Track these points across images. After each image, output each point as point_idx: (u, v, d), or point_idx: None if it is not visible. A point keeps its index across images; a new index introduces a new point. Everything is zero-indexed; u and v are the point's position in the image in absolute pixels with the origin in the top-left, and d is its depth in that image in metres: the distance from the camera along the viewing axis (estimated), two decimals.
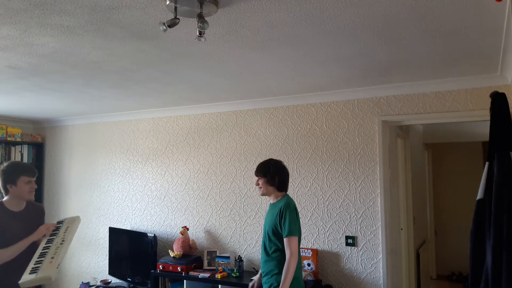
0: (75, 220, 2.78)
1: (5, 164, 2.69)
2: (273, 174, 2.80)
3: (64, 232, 2.64)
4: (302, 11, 1.96)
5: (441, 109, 3.39)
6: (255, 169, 2.91)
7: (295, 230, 2.69)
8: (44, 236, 2.65)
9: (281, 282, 2.60)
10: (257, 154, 4.15)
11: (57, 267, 2.43)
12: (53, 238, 2.61)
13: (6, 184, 2.61)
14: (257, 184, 2.85)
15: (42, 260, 2.45)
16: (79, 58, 2.72)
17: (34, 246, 2.63)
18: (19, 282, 2.36)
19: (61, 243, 2.55)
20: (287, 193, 2.92)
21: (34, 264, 2.43)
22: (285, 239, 2.67)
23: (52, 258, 2.46)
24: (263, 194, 2.87)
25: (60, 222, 2.76)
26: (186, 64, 2.88)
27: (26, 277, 2.37)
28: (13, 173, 2.61)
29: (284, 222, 2.67)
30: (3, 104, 4.38)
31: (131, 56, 2.69)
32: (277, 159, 2.99)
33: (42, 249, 2.54)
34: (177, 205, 4.62)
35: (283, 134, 4.06)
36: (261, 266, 2.86)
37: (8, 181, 2.60)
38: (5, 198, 2.65)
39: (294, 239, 2.66)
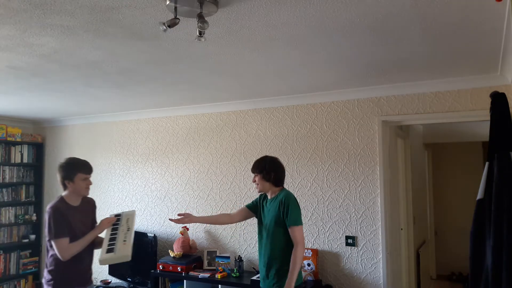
0: (133, 213, 3.04)
1: (63, 160, 2.81)
2: (268, 170, 2.82)
3: (127, 222, 2.93)
4: (302, 11, 1.96)
5: (441, 109, 3.39)
6: (251, 166, 2.92)
7: (299, 219, 2.72)
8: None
9: (290, 270, 2.61)
10: (257, 154, 4.15)
11: (131, 248, 2.75)
12: (117, 227, 2.89)
13: (65, 180, 2.73)
14: (254, 181, 2.89)
15: (114, 243, 2.76)
16: (79, 58, 2.72)
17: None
18: (98, 259, 2.65)
19: (127, 230, 2.87)
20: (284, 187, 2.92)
21: (108, 246, 2.74)
22: (290, 229, 2.69)
23: (124, 241, 2.78)
24: (260, 191, 2.89)
25: (118, 215, 3.00)
26: (186, 64, 2.88)
27: (105, 255, 2.68)
28: (71, 170, 2.73)
29: (287, 212, 2.69)
30: (3, 104, 4.38)
31: (131, 56, 2.69)
32: (273, 155, 3.00)
33: (110, 235, 2.82)
34: (177, 205, 4.62)
35: (283, 134, 4.06)
36: (263, 259, 2.82)
37: (66, 177, 2.72)
38: (64, 193, 2.78)
39: (299, 228, 2.69)
